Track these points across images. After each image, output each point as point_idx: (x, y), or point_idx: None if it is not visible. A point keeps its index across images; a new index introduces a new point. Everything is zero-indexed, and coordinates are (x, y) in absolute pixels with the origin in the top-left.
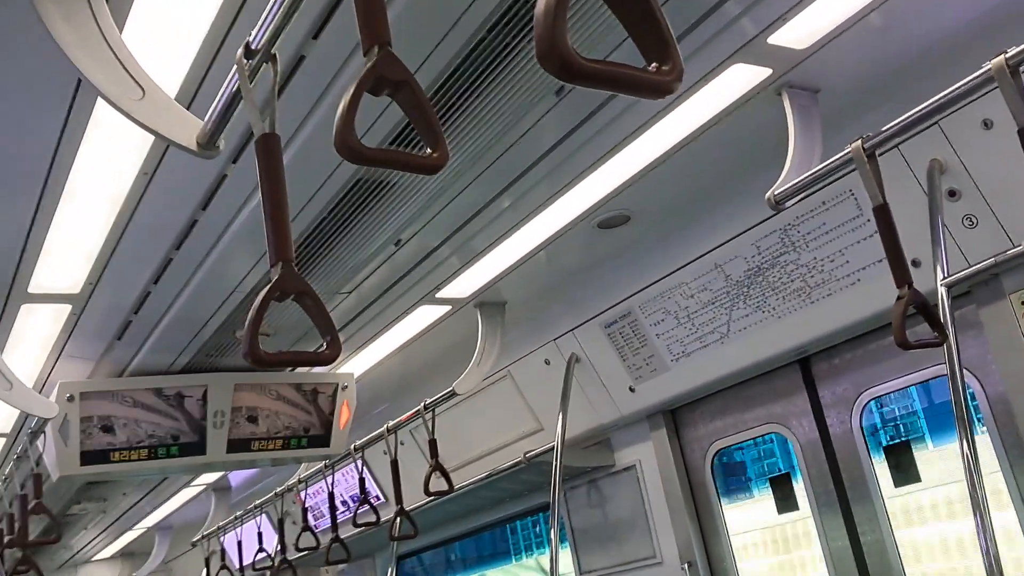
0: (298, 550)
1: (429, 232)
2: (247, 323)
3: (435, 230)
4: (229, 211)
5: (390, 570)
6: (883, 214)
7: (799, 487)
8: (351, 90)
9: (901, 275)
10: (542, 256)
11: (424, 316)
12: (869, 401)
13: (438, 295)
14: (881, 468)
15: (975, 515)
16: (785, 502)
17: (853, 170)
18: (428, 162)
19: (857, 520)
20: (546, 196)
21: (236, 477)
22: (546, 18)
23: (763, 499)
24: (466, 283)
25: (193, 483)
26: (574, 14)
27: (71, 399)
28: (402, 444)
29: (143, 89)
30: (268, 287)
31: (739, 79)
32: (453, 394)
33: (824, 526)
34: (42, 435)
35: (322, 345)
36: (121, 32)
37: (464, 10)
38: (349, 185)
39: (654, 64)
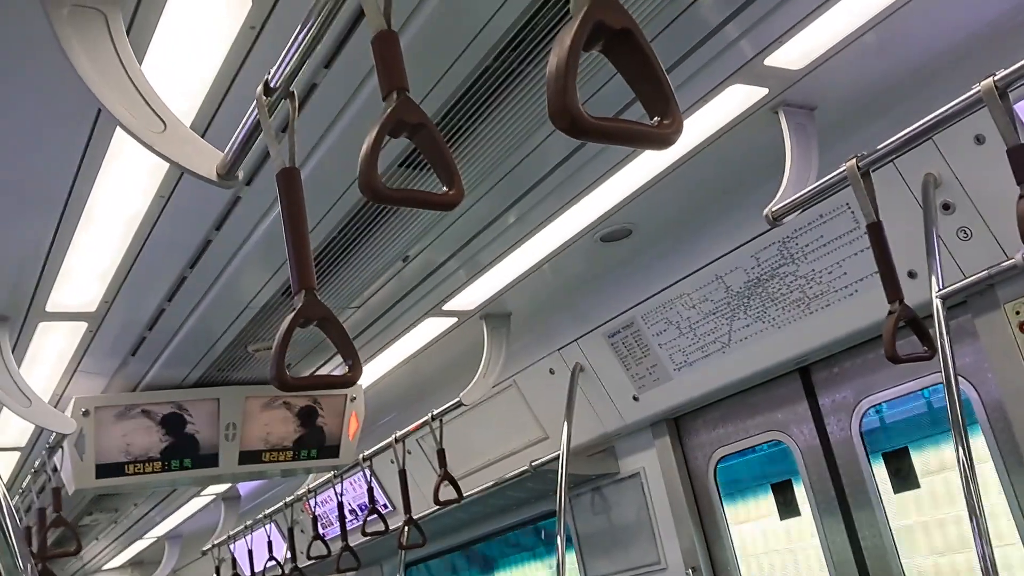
0: (309, 558)
1: (436, 247)
2: (274, 350)
3: (442, 245)
4: (242, 232)
5: None
6: (876, 231)
7: (800, 493)
8: (373, 133)
9: (893, 291)
10: (546, 269)
11: (431, 328)
12: (868, 408)
13: (444, 308)
14: (880, 473)
15: (971, 519)
16: (787, 508)
17: (848, 186)
18: (444, 199)
19: (858, 525)
20: (550, 211)
21: (245, 487)
22: (557, 80)
23: (765, 504)
24: (472, 296)
25: (203, 493)
26: (582, 71)
27: (86, 414)
28: (409, 453)
29: (164, 122)
30: (293, 314)
31: (737, 99)
32: (460, 404)
33: (825, 531)
34: (59, 449)
35: (337, 365)
36: (140, 64)
37: (472, 38)
38: (359, 206)
39: (656, 119)
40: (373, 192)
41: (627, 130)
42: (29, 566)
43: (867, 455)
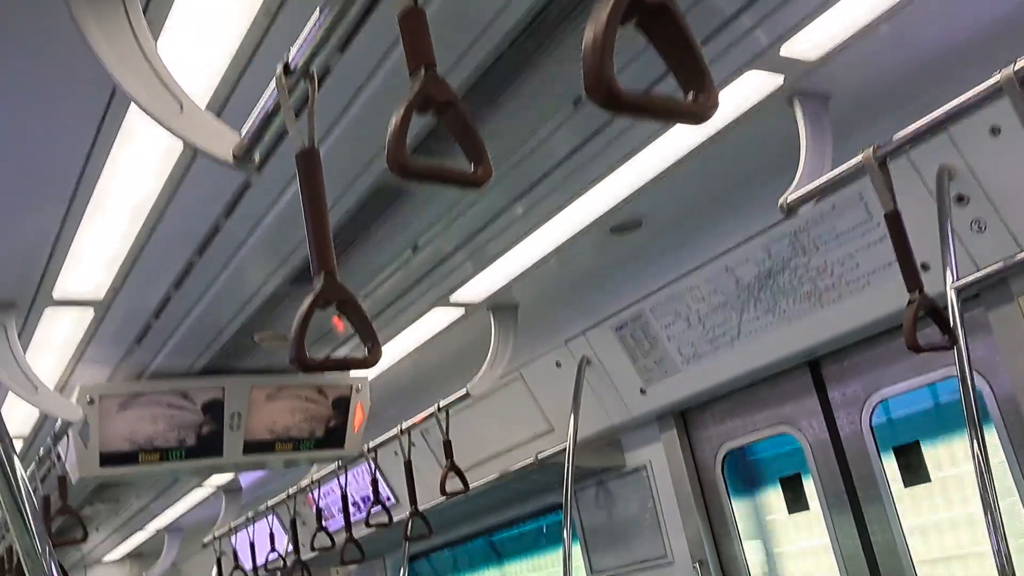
0: (312, 550)
1: (445, 238)
2: (294, 330)
3: (451, 236)
4: (252, 219)
5: (402, 570)
6: (894, 221)
7: (809, 487)
8: (401, 109)
9: (912, 280)
10: (555, 260)
11: (438, 319)
12: (879, 402)
13: (452, 299)
14: (891, 468)
15: (985, 515)
16: (795, 502)
17: (864, 176)
18: (472, 178)
19: (868, 519)
20: (560, 202)
21: (247, 478)
22: (594, 53)
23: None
24: (480, 287)
25: (204, 484)
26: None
27: (91, 402)
28: (413, 446)
29: (181, 103)
30: (314, 296)
31: (752, 88)
32: (467, 396)
33: (835, 526)
34: (64, 437)
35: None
36: (156, 45)
37: (486, 25)
38: (369, 193)
39: (691, 93)
40: (401, 167)
41: (663, 105)
42: (47, 548)
43: (877, 449)
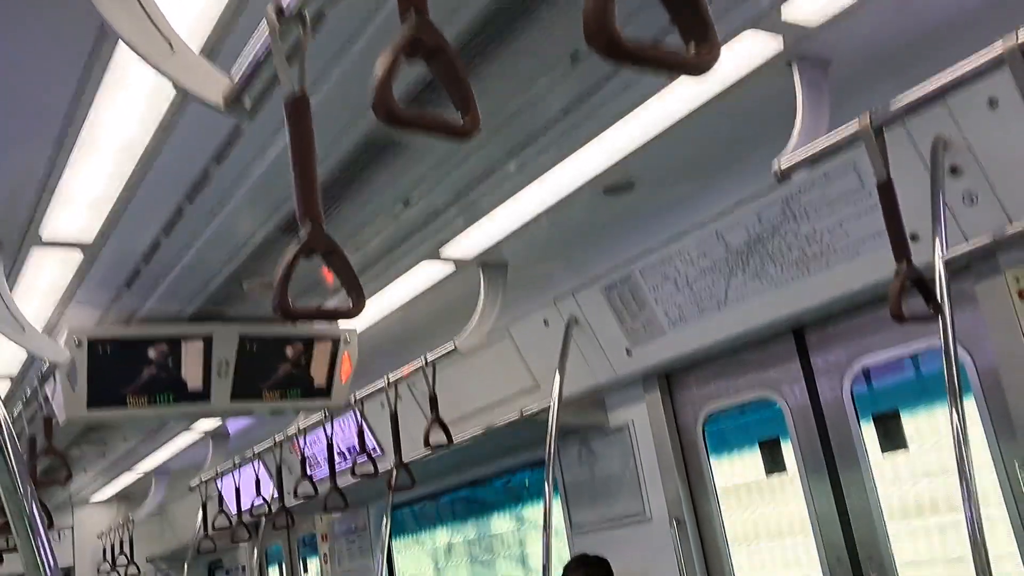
0: (296, 498)
1: (437, 193)
2: (277, 278)
3: (443, 191)
4: (243, 166)
5: (385, 519)
6: (887, 190)
7: (788, 450)
8: (389, 52)
9: (900, 250)
10: (546, 219)
11: (428, 274)
12: (860, 370)
13: (442, 254)
14: (869, 434)
15: (960, 483)
16: (773, 464)
17: (859, 144)
18: (460, 128)
19: (843, 483)
20: (554, 160)
21: (234, 425)
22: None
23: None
24: (470, 243)
25: (192, 428)
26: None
27: (79, 344)
28: (400, 398)
29: (171, 44)
30: (298, 245)
31: (751, 51)
32: (454, 350)
33: (811, 488)
34: (51, 379)
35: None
36: None
37: None
38: (361, 145)
39: (693, 44)
40: (387, 113)
41: (663, 55)
42: (29, 488)
43: (857, 416)
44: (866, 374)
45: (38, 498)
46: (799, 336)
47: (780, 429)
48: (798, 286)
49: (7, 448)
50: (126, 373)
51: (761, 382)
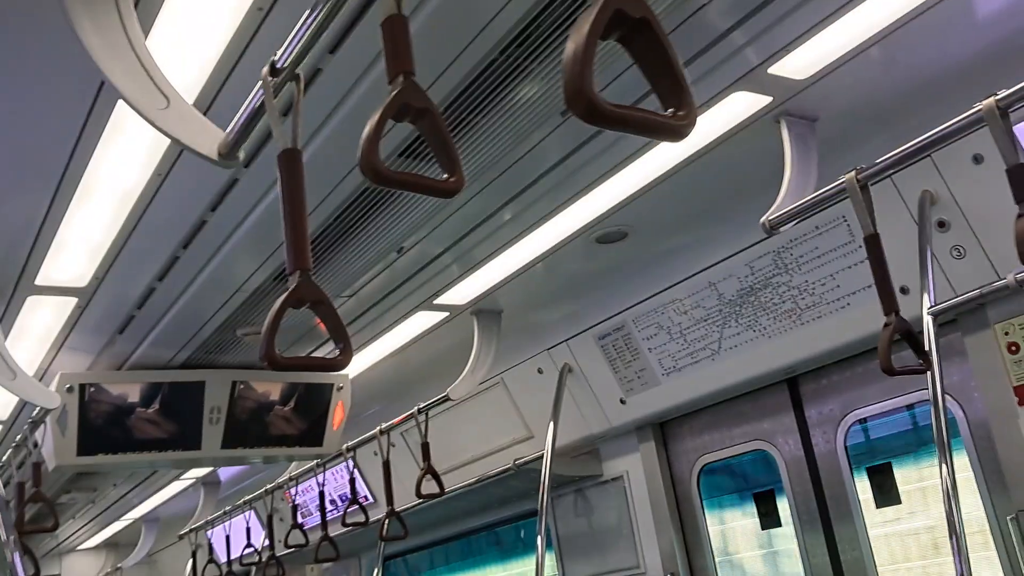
0: (287, 547)
1: (431, 240)
2: (264, 328)
3: (437, 239)
4: (238, 214)
5: (376, 570)
6: (874, 244)
7: (783, 504)
8: (376, 115)
9: (888, 303)
10: (540, 267)
11: (421, 321)
12: (853, 423)
13: (436, 301)
14: (863, 488)
15: (951, 537)
16: (768, 518)
17: (846, 198)
18: (445, 186)
19: (838, 538)
20: (547, 210)
21: (225, 472)
22: (574, 65)
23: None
24: (464, 291)
25: (183, 476)
26: (598, 60)
27: (70, 390)
28: (393, 446)
29: (167, 99)
30: (287, 294)
31: (739, 106)
32: (447, 399)
33: (806, 543)
34: (42, 425)
35: (332, 351)
36: (146, 40)
37: (477, 33)
38: (356, 194)
39: (671, 110)
40: (374, 173)
41: (643, 119)
42: (12, 537)
43: (851, 468)
44: (860, 426)
45: (24, 545)
46: (793, 387)
47: (774, 481)
48: (791, 337)
49: None
50: (117, 420)
51: (755, 432)
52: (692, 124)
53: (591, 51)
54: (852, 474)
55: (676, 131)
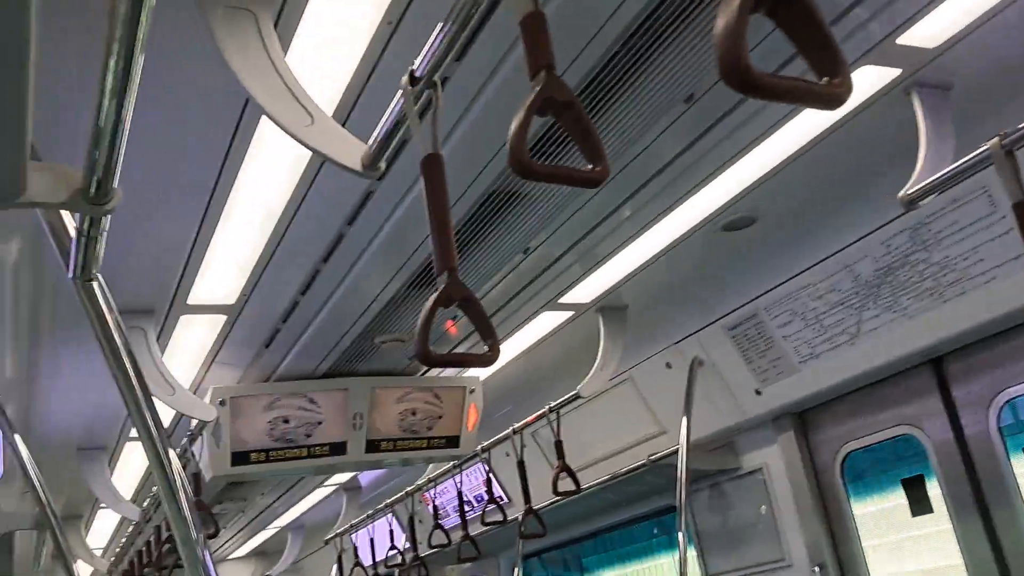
0: (430, 547)
1: (555, 240)
2: (418, 327)
3: (561, 237)
4: (373, 226)
5: (516, 569)
6: (1022, 211)
7: (933, 489)
8: (523, 111)
9: None
10: (664, 260)
11: (547, 321)
12: (1006, 401)
13: (561, 300)
14: (1022, 470)
15: None
16: (919, 504)
17: (989, 166)
18: (591, 176)
19: (996, 523)
20: (671, 201)
21: (366, 477)
22: (727, 36)
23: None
24: (588, 288)
25: (326, 483)
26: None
27: (223, 403)
28: (524, 446)
29: (311, 116)
30: (437, 294)
31: (868, 81)
32: (577, 397)
33: (962, 530)
34: (199, 437)
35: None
36: (286, 58)
37: (599, 27)
38: (484, 197)
39: (826, 78)
40: (523, 168)
41: (798, 88)
42: (202, 537)
43: (1006, 450)
44: (1012, 405)
45: (209, 548)
46: (938, 368)
47: (924, 467)
48: (933, 316)
49: (181, 501)
50: (267, 429)
51: (900, 417)
52: (849, 91)
53: (743, 23)
54: (1008, 456)
55: (834, 98)
